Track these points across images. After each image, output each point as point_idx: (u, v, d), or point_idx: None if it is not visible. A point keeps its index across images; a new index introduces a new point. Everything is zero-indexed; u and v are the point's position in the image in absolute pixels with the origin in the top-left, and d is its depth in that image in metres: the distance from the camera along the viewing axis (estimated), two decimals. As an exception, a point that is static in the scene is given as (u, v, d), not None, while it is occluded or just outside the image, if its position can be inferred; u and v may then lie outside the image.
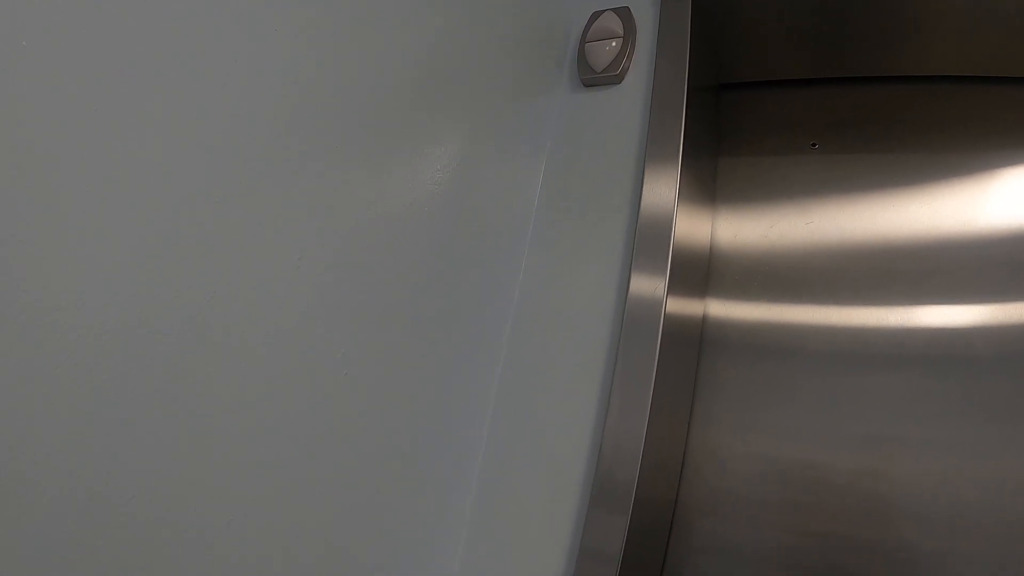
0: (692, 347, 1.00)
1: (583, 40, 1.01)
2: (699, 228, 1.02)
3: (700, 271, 1.03)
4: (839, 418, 0.92)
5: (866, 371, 0.93)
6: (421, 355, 0.75)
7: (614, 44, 0.98)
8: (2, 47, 0.38)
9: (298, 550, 0.60)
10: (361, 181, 0.65)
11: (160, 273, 0.47)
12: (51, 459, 0.40)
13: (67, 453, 0.41)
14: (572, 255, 0.93)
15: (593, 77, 0.98)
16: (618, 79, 0.97)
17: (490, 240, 0.87)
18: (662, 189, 0.88)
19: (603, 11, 1.03)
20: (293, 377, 0.59)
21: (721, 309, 1.04)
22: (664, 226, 0.87)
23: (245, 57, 0.53)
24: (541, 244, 0.96)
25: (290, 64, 0.57)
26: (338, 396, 0.63)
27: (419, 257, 0.74)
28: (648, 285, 0.85)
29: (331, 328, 0.62)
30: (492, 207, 0.88)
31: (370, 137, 0.66)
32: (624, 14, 1.01)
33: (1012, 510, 0.81)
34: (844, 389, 0.93)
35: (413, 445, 0.75)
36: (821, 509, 0.90)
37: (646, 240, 0.87)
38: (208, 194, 0.50)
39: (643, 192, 0.88)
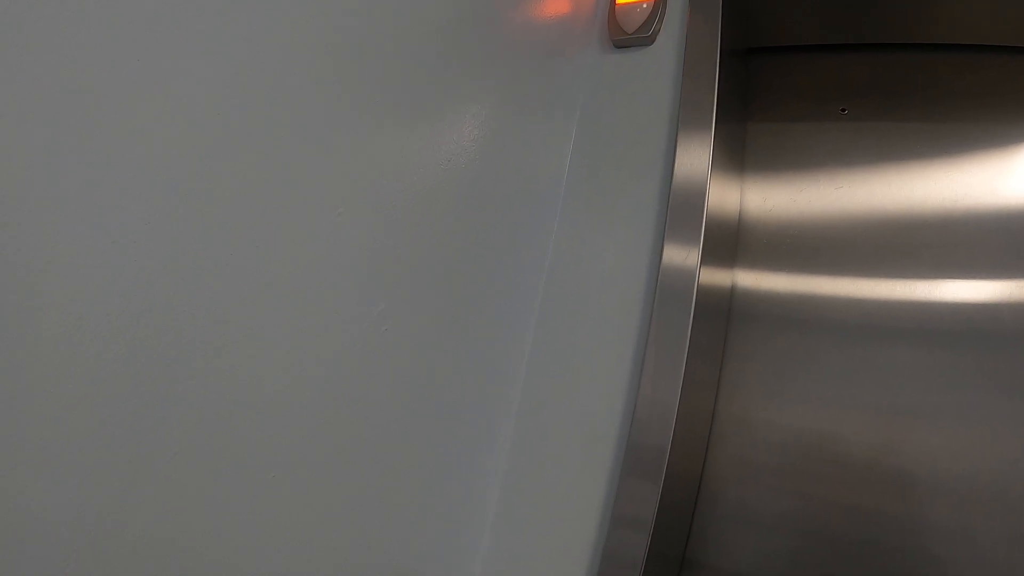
0: (721, 317, 0.99)
1: (614, 2, 0.97)
2: (729, 196, 1.00)
3: (730, 240, 1.02)
4: (863, 389, 0.91)
5: (891, 343, 0.92)
6: (455, 312, 0.74)
7: (645, 6, 0.95)
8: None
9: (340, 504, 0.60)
10: (398, 135, 0.64)
11: (206, 224, 0.46)
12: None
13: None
14: (604, 217, 0.91)
15: (625, 39, 0.95)
16: (649, 40, 0.94)
17: (523, 199, 0.86)
18: (695, 156, 0.87)
19: (633, -29, 1.00)
20: (333, 331, 0.58)
21: (749, 279, 1.03)
22: (698, 195, 0.85)
23: (282, 7, 0.51)
24: (573, 204, 0.94)
25: (327, 14, 0.55)
26: (376, 351, 0.63)
27: (454, 212, 0.73)
28: (681, 254, 0.84)
29: (370, 282, 0.61)
30: (525, 165, 0.86)
31: (405, 90, 0.64)
32: (655, -26, 0.98)
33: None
34: (869, 360, 0.92)
35: (448, 404, 0.74)
36: (844, 480, 0.90)
37: (680, 208, 0.86)
38: (252, 145, 0.49)
39: (676, 158, 0.87)
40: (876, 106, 1.05)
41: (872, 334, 0.94)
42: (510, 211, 0.84)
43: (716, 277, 0.94)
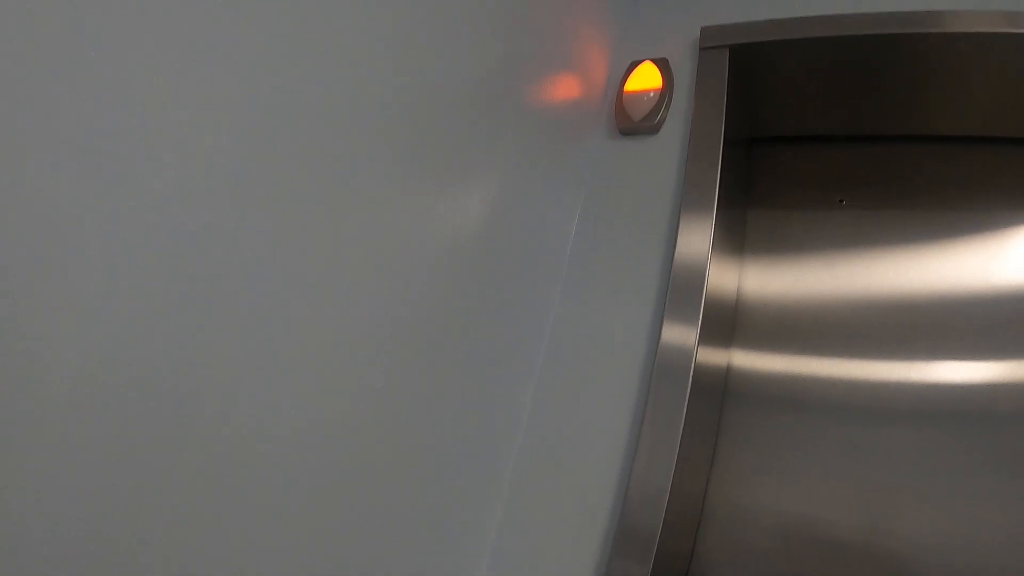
0: (716, 397, 1.01)
1: (622, 89, 1.02)
2: (728, 278, 1.03)
3: (727, 321, 1.04)
4: (858, 471, 0.92)
5: (885, 424, 0.94)
6: (456, 380, 0.76)
7: (652, 95, 1.00)
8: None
9: (326, 558, 0.61)
10: (414, 199, 0.67)
11: (222, 278, 0.48)
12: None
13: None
14: (605, 294, 0.94)
15: (631, 126, 0.99)
16: (655, 129, 0.99)
17: (527, 272, 0.89)
18: (697, 239, 0.90)
19: (642, 61, 1.05)
20: (340, 386, 0.60)
21: (745, 360, 1.05)
22: (698, 276, 0.88)
23: (315, 68, 0.55)
24: (576, 280, 0.97)
25: (359, 77, 0.59)
26: (376, 419, 0.64)
27: (460, 279, 0.75)
28: (680, 334, 0.86)
29: (377, 340, 0.63)
30: (530, 239, 0.90)
31: (423, 157, 0.68)
32: (663, 65, 1.04)
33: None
34: (863, 442, 0.94)
35: (443, 475, 0.75)
36: (836, 562, 0.90)
37: (680, 288, 0.88)
38: (274, 205, 0.52)
39: (678, 241, 0.90)
40: (873, 196, 1.09)
41: (866, 416, 0.95)
42: (514, 282, 0.86)
43: (713, 357, 0.96)
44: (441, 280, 0.72)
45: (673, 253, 0.90)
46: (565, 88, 0.97)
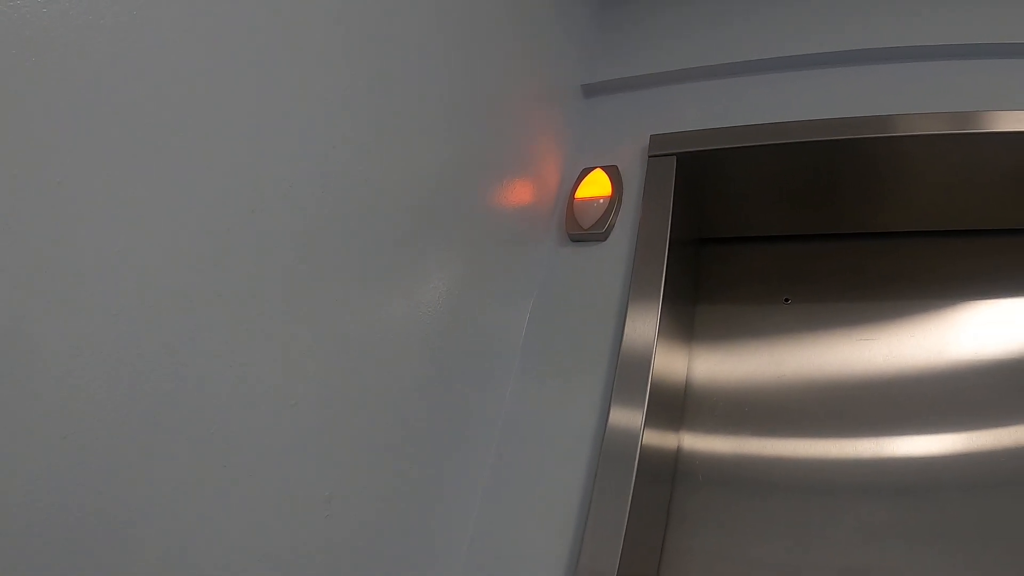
0: (666, 480, 1.01)
1: (573, 196, 1.07)
2: (676, 366, 1.06)
3: (676, 406, 1.06)
4: (811, 550, 0.93)
5: (837, 502, 0.95)
6: (410, 473, 0.79)
7: (601, 202, 1.04)
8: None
9: None
10: (363, 304, 0.71)
11: (161, 386, 0.50)
12: None
13: None
14: (556, 386, 0.97)
15: (580, 234, 1.03)
16: (603, 237, 1.02)
17: (479, 366, 0.92)
18: (642, 330, 0.93)
19: (593, 168, 1.10)
20: (293, 491, 0.62)
21: (695, 442, 1.06)
22: (644, 363, 0.91)
23: (271, 169, 0.59)
24: (527, 373, 0.99)
25: (316, 181, 0.63)
26: (330, 510, 0.66)
27: (413, 377, 0.78)
28: (626, 418, 0.88)
29: (330, 443, 0.66)
30: (482, 336, 0.93)
31: (379, 258, 0.72)
32: (613, 172, 1.08)
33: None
34: (815, 521, 0.94)
35: (396, 565, 0.76)
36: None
37: (627, 375, 0.91)
38: (226, 304, 0.55)
39: (625, 331, 0.93)
40: (817, 292, 1.12)
41: (817, 495, 0.97)
42: (467, 375, 0.89)
43: (662, 440, 0.98)
44: (394, 379, 0.75)
45: (621, 343, 0.92)
46: (519, 194, 1.02)
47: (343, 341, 0.68)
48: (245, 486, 0.57)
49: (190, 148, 0.52)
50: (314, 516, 0.65)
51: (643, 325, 0.93)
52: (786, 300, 1.12)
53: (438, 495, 0.85)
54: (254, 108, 0.57)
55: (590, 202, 1.05)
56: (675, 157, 1.07)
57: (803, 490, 0.97)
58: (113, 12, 0.46)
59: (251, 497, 0.58)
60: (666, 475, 1.03)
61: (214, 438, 0.54)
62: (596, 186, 1.06)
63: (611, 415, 0.88)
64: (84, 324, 0.45)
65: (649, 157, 1.08)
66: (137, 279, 0.48)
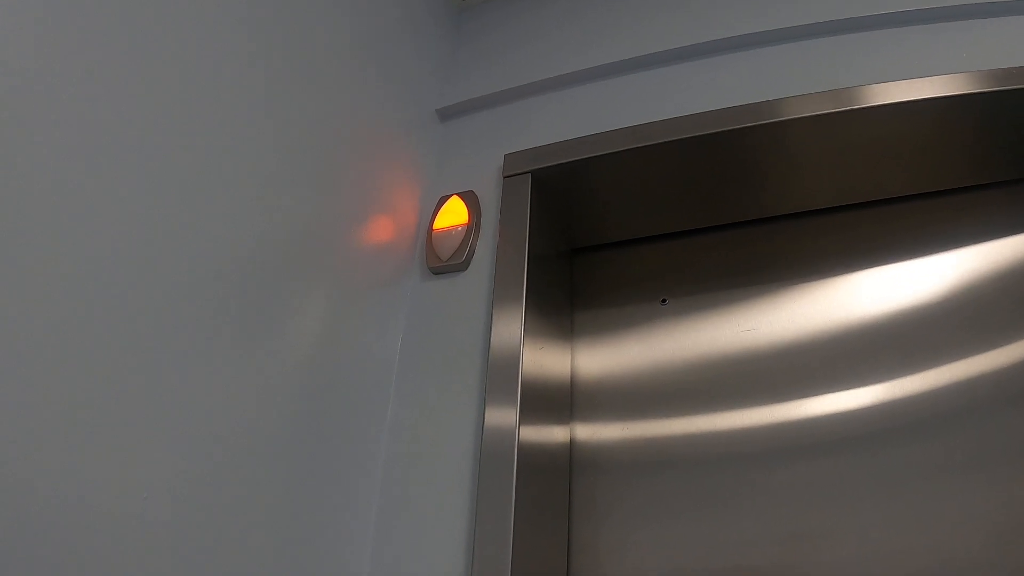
0: (560, 472, 1.01)
1: (431, 228, 1.05)
2: (556, 366, 1.06)
3: (562, 403, 1.07)
4: (723, 522, 0.94)
5: (745, 470, 0.96)
6: (300, 507, 0.79)
7: (459, 230, 1.03)
8: None
9: None
10: (236, 352, 0.71)
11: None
12: None
13: None
14: (432, 408, 0.96)
15: (440, 266, 1.02)
16: (463, 266, 1.01)
17: (355, 398, 0.92)
18: (508, 335, 0.93)
19: (450, 196, 1.08)
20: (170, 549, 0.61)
21: (590, 433, 1.07)
22: (511, 364, 0.91)
23: (130, 237, 0.59)
24: (403, 396, 0.98)
25: (168, 235, 0.64)
26: (217, 549, 0.66)
27: (290, 423, 0.79)
28: (501, 418, 0.88)
29: (210, 503, 0.65)
30: (356, 371, 0.93)
31: (241, 310, 0.72)
32: (470, 198, 1.07)
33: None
34: (722, 492, 0.96)
35: None
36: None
37: (496, 378, 0.91)
38: (89, 364, 0.55)
39: (492, 340, 0.93)
40: (696, 290, 1.13)
41: (720, 465, 0.98)
42: (343, 413, 0.89)
43: (548, 435, 0.98)
44: (272, 423, 0.76)
45: (489, 352, 0.93)
46: (379, 232, 1.01)
47: (212, 393, 0.67)
48: None
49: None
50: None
51: (508, 331, 0.94)
52: (663, 301, 1.13)
53: (333, 528, 0.84)
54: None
55: (447, 232, 1.04)
56: (530, 175, 1.06)
57: (704, 463, 0.98)
58: None
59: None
60: (560, 468, 1.02)
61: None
62: (453, 215, 1.05)
63: (486, 416, 0.88)
64: None
65: (504, 178, 1.07)
66: None
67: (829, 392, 0.98)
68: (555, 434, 1.02)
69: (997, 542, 0.83)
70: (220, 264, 0.71)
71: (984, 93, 0.92)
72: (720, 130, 1.01)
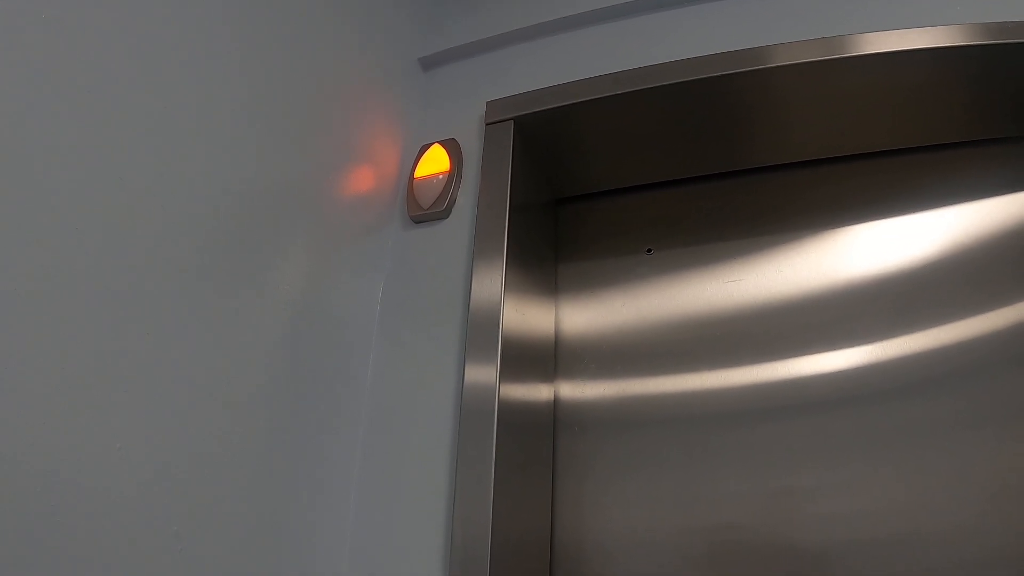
0: (543, 430, 1.01)
1: (412, 176, 1.04)
2: (539, 322, 1.05)
3: (546, 359, 1.06)
4: (709, 478, 0.94)
5: (726, 428, 0.96)
6: (284, 462, 0.79)
7: (440, 178, 1.02)
8: None
9: None
10: (217, 302, 0.71)
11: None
12: None
13: None
14: (413, 364, 0.96)
15: (421, 214, 1.01)
16: (444, 214, 1.00)
17: (338, 349, 0.92)
18: (488, 291, 0.92)
19: (431, 144, 1.07)
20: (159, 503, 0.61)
21: (574, 390, 1.06)
22: (492, 320, 0.90)
23: (111, 189, 0.59)
24: (383, 358, 0.98)
25: (158, 194, 0.64)
26: (202, 506, 0.66)
27: (271, 374, 0.79)
28: (481, 374, 0.87)
29: (189, 440, 0.66)
30: (337, 320, 0.93)
31: (224, 260, 0.72)
32: (451, 146, 1.06)
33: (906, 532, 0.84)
34: (708, 447, 0.96)
35: (278, 548, 0.77)
36: (708, 569, 0.90)
37: (477, 334, 0.90)
38: (68, 315, 0.55)
39: (471, 295, 0.92)
40: (681, 240, 1.12)
41: (705, 423, 0.98)
42: (326, 361, 0.89)
43: (530, 392, 0.98)
44: (257, 370, 0.76)
45: (469, 307, 0.92)
46: (361, 181, 0.99)
47: (200, 335, 0.68)
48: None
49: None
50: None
51: (488, 286, 0.92)
52: (648, 251, 1.12)
53: (314, 485, 0.85)
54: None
55: (429, 180, 1.03)
56: (512, 121, 1.05)
57: (689, 421, 0.98)
58: None
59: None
60: (543, 426, 1.02)
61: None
62: (434, 163, 1.04)
63: (466, 373, 0.87)
64: None
65: (486, 125, 1.06)
66: None
67: (817, 349, 0.97)
68: (538, 391, 1.02)
69: (987, 502, 0.83)
70: (201, 214, 0.70)
71: (980, 46, 0.89)
72: (704, 76, 0.99)
